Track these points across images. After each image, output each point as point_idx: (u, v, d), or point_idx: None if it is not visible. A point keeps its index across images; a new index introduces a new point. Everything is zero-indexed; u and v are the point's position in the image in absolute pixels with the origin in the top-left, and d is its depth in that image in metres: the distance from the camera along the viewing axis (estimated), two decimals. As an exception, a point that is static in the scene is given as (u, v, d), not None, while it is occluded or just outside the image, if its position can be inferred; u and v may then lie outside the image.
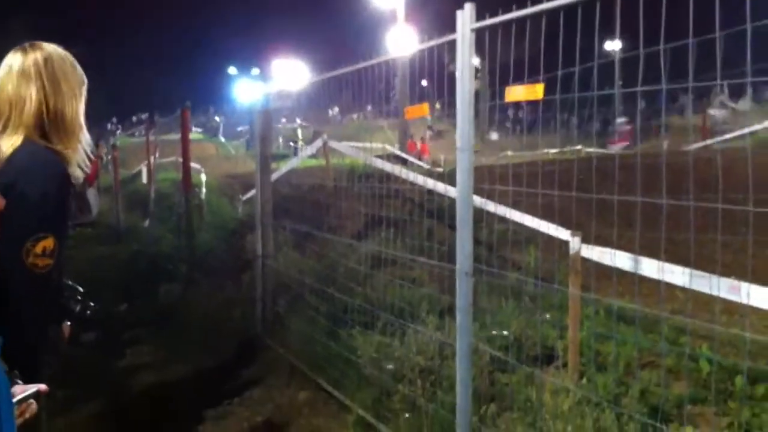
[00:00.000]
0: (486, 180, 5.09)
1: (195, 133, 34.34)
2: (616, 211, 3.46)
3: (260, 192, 7.45)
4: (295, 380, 6.10)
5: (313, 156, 14.58)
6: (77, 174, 2.55)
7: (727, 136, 15.92)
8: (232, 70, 63.20)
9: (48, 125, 2.46)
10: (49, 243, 2.30)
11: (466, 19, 3.81)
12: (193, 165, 12.73)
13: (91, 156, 2.87)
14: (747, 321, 3.04)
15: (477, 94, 4.09)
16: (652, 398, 4.51)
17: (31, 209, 2.31)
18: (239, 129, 40.15)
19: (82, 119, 2.58)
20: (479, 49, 3.90)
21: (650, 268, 3.95)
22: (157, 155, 17.84)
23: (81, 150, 2.57)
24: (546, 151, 12.84)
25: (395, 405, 4.89)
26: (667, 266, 3.70)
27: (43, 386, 2.17)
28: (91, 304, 2.94)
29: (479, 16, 3.78)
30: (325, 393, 5.69)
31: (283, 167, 12.09)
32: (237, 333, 7.44)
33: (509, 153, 16.17)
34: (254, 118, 7.77)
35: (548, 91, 3.91)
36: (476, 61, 4.08)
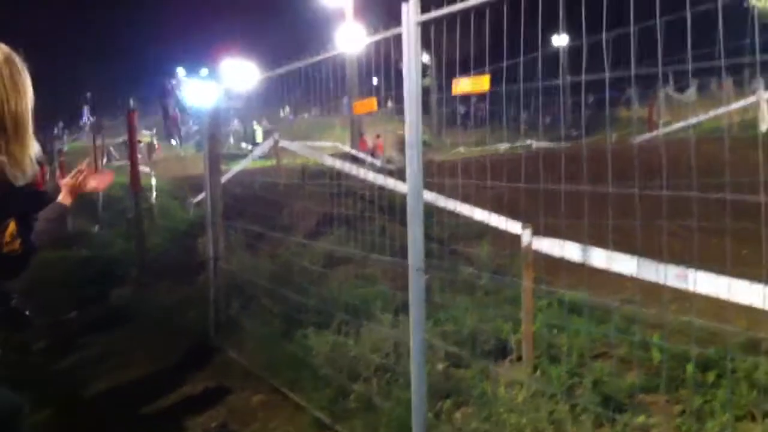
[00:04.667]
0: (436, 175, 5.08)
1: (146, 136, 33.77)
2: (563, 201, 3.46)
3: (210, 193, 7.35)
4: (249, 383, 6.01)
5: (264, 156, 14.46)
6: (21, 173, 2.44)
7: (674, 126, 16.16)
8: (180, 71, 62.21)
9: (3, 126, 2.36)
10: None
11: (411, 12, 3.79)
12: (143, 168, 12.52)
13: (38, 160, 2.78)
14: (694, 308, 3.06)
15: (427, 91, 4.07)
16: (605, 388, 4.52)
17: None
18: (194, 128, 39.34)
19: (31, 120, 2.49)
20: (427, 45, 3.87)
21: (599, 257, 3.96)
22: (105, 160, 17.51)
23: (30, 151, 2.48)
24: (497, 146, 12.92)
25: (351, 404, 4.85)
26: (615, 255, 3.72)
27: None
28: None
29: (425, 10, 3.75)
30: (280, 395, 5.62)
31: (234, 168, 11.98)
32: (189, 337, 7.32)
33: (461, 150, 16.24)
34: (203, 119, 7.66)
35: (495, 83, 3.90)
36: (426, 58, 4.07)
